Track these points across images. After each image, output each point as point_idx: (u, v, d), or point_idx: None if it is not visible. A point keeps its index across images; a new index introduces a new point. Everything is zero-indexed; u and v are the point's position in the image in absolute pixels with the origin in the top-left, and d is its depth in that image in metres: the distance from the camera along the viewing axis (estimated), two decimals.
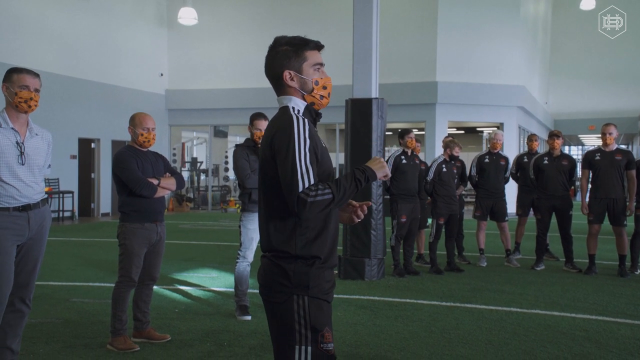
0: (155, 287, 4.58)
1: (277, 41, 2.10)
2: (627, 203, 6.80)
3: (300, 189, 1.88)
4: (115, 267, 4.36)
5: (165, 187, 4.14)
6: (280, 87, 2.10)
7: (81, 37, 14.63)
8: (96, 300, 5.48)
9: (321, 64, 2.10)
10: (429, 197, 7.26)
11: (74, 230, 12.08)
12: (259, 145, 4.88)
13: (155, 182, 4.06)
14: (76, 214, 14.33)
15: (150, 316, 4.32)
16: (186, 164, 19.18)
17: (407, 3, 15.87)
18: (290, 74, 2.06)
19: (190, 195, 18.46)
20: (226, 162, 18.80)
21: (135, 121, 4.09)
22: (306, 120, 2.00)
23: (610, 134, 6.87)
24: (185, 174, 18.74)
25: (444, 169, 7.04)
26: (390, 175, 2.13)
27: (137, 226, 4.01)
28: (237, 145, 5.15)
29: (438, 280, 6.54)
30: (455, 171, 7.18)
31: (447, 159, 7.12)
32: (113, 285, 4.13)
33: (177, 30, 17.62)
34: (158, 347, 4.09)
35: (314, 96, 2.08)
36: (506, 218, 7.61)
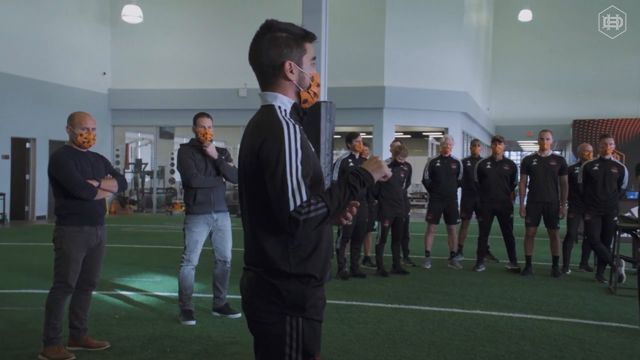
0: (94, 292, 4.41)
1: (273, 25, 1.85)
2: (560, 206, 7.14)
3: (292, 207, 1.69)
4: (50, 273, 4.16)
5: (106, 188, 4.02)
6: (272, 78, 1.86)
7: (16, 31, 13.93)
8: (28, 308, 5.22)
9: (314, 58, 1.94)
10: (375, 200, 7.35)
11: (5, 234, 11.48)
12: (204, 145, 4.86)
13: (95, 183, 3.93)
14: (7, 217, 13.62)
15: (89, 323, 4.16)
16: (130, 166, 18.63)
17: (356, 8, 16.05)
18: (291, 65, 1.84)
19: (134, 197, 17.94)
20: (172, 164, 18.39)
21: (74, 121, 3.94)
22: (297, 126, 1.79)
23: (547, 139, 7.21)
24: (129, 176, 18.20)
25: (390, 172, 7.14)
26: (390, 175, 1.97)
27: (75, 229, 3.86)
28: (182, 145, 5.05)
29: (384, 283, 6.62)
30: (403, 175, 7.29)
31: (394, 163, 7.23)
32: (47, 291, 3.95)
33: (121, 28, 17.10)
34: (95, 355, 3.94)
35: (309, 93, 1.90)
36: (457, 220, 7.81)
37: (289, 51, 1.84)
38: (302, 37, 1.88)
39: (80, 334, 4.05)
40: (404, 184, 7.42)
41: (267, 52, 1.84)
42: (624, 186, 6.98)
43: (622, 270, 6.62)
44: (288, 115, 1.85)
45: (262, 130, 1.79)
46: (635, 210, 7.79)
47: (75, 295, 4.01)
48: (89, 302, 4.13)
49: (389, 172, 1.90)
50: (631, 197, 10.20)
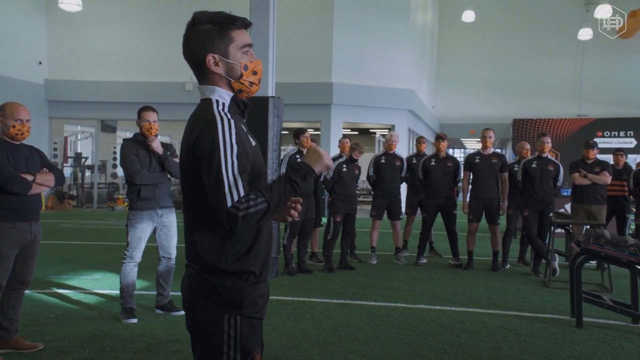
0: (27, 291, 4.21)
1: (197, 18, 1.80)
2: (501, 203, 7.40)
3: (229, 203, 1.65)
4: None
5: (42, 183, 3.84)
6: (202, 73, 1.82)
7: None
8: None
9: (250, 45, 1.84)
10: (329, 196, 7.36)
11: None
12: (149, 140, 4.72)
13: (30, 177, 3.75)
14: None
15: (20, 323, 3.96)
16: (69, 160, 17.89)
17: (304, 5, 16.03)
18: (214, 58, 1.79)
19: (73, 192, 17.25)
20: (114, 158, 17.81)
21: (5, 112, 3.74)
22: (232, 120, 1.74)
23: (489, 137, 7.45)
24: (68, 170, 17.47)
25: (345, 169, 7.18)
26: (332, 164, 1.92)
27: (7, 225, 3.67)
28: (125, 140, 4.89)
29: (330, 278, 6.66)
30: (357, 172, 7.35)
31: (350, 159, 7.27)
32: None
33: (59, 16, 16.34)
34: (27, 357, 3.76)
35: (242, 83, 1.83)
36: (401, 217, 7.95)
37: (211, 44, 1.79)
38: (227, 25, 1.81)
39: (10, 335, 3.85)
40: (357, 180, 7.50)
41: (190, 47, 1.81)
42: (559, 183, 7.31)
43: (556, 264, 6.95)
44: (227, 108, 1.81)
45: (197, 126, 1.75)
46: (568, 206, 8.19)
47: (6, 294, 3.81)
48: (21, 302, 3.94)
49: (330, 162, 1.87)
50: (565, 194, 10.70)
